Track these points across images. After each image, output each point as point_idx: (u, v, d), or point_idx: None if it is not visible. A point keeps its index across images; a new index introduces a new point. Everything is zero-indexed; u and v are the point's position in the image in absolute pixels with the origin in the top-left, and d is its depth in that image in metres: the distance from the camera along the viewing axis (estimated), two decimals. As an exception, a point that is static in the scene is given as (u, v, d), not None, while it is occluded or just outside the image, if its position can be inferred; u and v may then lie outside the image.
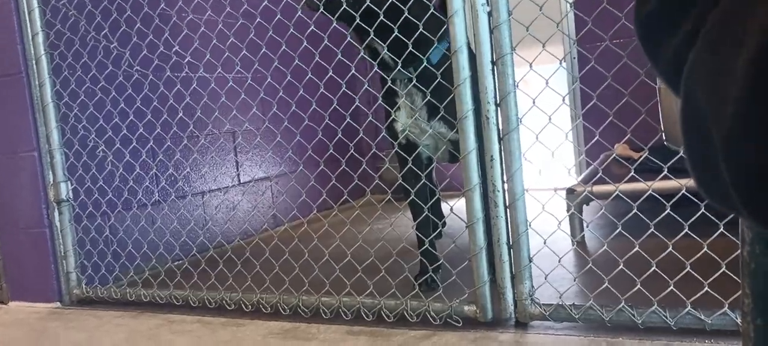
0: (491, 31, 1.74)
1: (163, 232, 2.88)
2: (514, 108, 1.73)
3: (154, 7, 2.85)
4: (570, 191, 2.53)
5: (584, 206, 2.62)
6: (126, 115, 2.72)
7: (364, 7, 1.94)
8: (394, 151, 2.25)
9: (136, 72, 2.84)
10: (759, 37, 0.30)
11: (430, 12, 1.95)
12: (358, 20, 1.96)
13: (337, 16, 1.98)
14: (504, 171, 1.75)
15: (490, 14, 1.74)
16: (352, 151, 2.27)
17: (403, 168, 2.14)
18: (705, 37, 0.35)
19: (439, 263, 2.20)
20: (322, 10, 1.98)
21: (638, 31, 0.44)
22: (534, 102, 1.71)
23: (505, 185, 1.75)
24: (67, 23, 2.59)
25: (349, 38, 2.17)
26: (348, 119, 2.25)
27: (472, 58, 1.78)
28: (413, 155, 2.14)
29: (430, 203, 2.20)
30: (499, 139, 1.75)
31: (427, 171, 2.34)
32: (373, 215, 3.02)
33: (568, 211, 2.46)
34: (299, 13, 2.02)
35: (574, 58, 3.74)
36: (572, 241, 2.52)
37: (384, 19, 1.93)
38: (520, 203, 1.73)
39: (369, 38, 2.01)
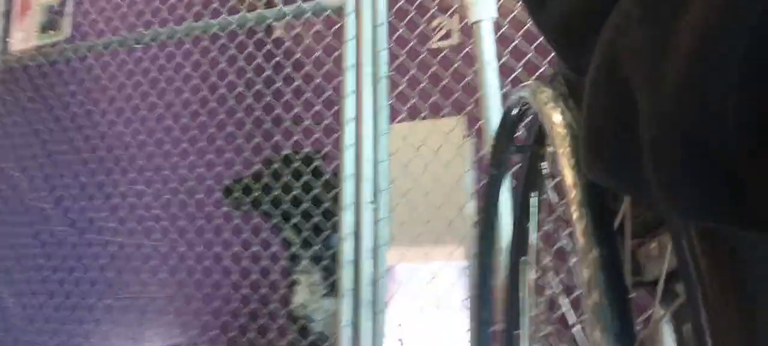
0: (375, 224, 2.00)
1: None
2: (384, 290, 1.94)
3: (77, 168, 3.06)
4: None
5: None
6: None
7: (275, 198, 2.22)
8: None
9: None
10: None
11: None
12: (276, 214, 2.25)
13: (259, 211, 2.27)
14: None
15: (374, 210, 2.01)
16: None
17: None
18: None
19: None
20: (244, 209, 2.27)
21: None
22: (416, 303, 1.94)
23: (372, 360, 1.90)
24: None
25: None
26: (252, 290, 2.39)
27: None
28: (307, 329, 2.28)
29: None
30: (373, 317, 1.93)
31: None
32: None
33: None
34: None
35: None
36: None
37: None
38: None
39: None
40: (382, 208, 1.99)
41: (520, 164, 0.85)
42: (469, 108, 2.04)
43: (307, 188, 2.22)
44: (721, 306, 0.33)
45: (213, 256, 2.43)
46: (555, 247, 0.83)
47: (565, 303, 0.74)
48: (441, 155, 2.01)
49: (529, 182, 0.82)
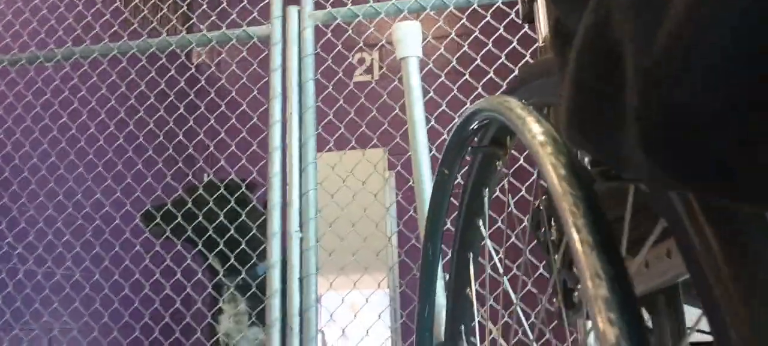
0: (301, 253, 2.02)
1: None
2: (314, 318, 1.97)
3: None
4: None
5: None
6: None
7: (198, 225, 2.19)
8: None
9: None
10: None
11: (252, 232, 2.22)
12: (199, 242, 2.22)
13: (181, 239, 2.23)
14: (301, 376, 1.93)
15: (301, 239, 2.04)
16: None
17: None
18: None
19: None
20: (167, 234, 2.22)
21: None
22: (343, 331, 1.98)
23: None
24: None
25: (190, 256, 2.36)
26: (170, 321, 2.34)
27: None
28: None
29: None
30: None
31: None
32: None
33: None
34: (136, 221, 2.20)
35: (396, 287, 4.10)
36: None
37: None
38: (313, 406, 1.89)
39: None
40: (311, 237, 2.02)
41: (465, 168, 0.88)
42: (394, 142, 2.11)
43: (231, 216, 2.21)
44: (734, 294, 0.33)
45: (132, 285, 2.36)
46: (506, 244, 0.86)
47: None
48: (368, 185, 2.06)
49: (481, 180, 0.86)
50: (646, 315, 0.64)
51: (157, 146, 2.55)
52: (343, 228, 2.19)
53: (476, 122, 0.84)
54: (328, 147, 2.28)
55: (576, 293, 0.65)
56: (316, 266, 2.01)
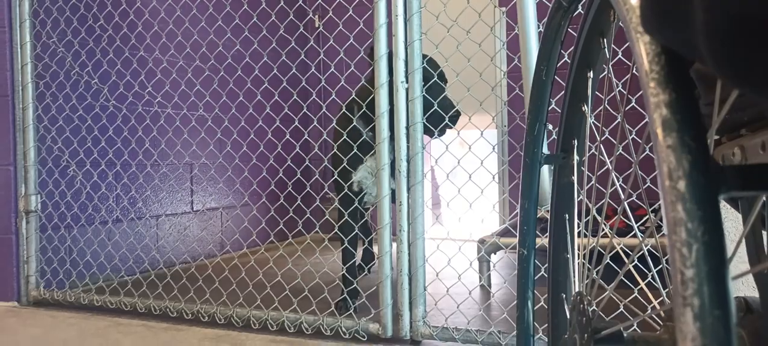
0: (407, 103, 2.07)
1: (119, 246, 3.07)
2: (420, 165, 2.05)
3: (134, 52, 3.11)
4: (481, 241, 2.84)
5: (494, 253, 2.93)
6: (98, 142, 2.94)
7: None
8: (342, 194, 2.49)
9: (112, 105, 3.07)
10: None
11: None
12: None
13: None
14: (409, 215, 2.06)
15: (407, 90, 2.07)
16: (307, 188, 2.55)
17: (347, 211, 2.42)
18: None
19: (353, 287, 2.45)
20: None
21: None
22: (458, 162, 2.05)
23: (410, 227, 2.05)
24: (55, 58, 2.83)
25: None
26: (292, 163, 2.53)
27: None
28: (359, 199, 2.44)
29: (366, 240, 2.48)
30: (408, 189, 2.06)
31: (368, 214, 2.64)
32: (311, 254, 3.26)
33: (478, 255, 2.78)
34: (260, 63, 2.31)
35: (505, 126, 4.12)
36: (480, 277, 2.83)
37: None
38: (420, 242, 2.04)
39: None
40: (416, 87, 2.05)
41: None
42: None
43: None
44: None
45: (256, 131, 2.53)
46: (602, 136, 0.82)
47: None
48: (473, 35, 2.02)
49: (584, 59, 0.82)
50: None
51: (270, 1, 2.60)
52: (450, 76, 2.19)
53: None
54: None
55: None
56: (422, 114, 2.05)
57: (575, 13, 0.88)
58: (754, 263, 0.61)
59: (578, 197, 0.87)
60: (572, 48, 0.82)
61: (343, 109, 2.38)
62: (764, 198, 0.55)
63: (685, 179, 0.37)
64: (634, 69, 0.47)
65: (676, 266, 0.36)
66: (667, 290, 0.69)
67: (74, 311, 2.57)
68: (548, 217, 0.91)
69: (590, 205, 0.77)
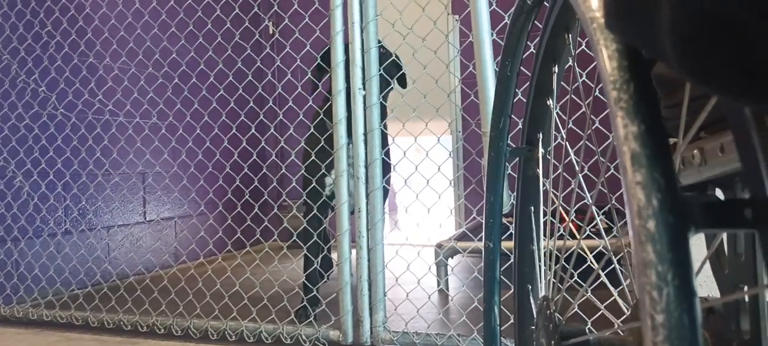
0: (365, 110, 2.07)
1: (69, 258, 2.97)
2: (378, 171, 2.05)
3: (84, 59, 3.02)
4: (439, 245, 2.86)
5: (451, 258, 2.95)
6: (46, 151, 2.84)
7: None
8: (302, 200, 2.46)
9: (61, 113, 2.97)
10: None
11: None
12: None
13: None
14: (368, 222, 2.05)
15: (364, 97, 2.07)
16: (265, 196, 2.51)
17: (308, 216, 2.38)
18: None
19: (313, 295, 2.42)
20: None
21: None
22: (416, 168, 2.05)
23: (368, 233, 2.05)
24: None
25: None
26: (248, 171, 2.49)
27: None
28: (319, 205, 2.40)
29: (325, 247, 2.45)
30: (367, 196, 2.06)
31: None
32: (270, 262, 3.22)
33: (436, 260, 2.80)
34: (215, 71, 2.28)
35: (459, 131, 4.15)
36: (438, 282, 2.84)
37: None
38: (379, 247, 2.04)
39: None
40: (374, 93, 2.05)
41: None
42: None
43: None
44: None
45: (212, 139, 2.49)
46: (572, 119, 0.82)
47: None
48: (428, 42, 2.03)
49: (550, 53, 0.82)
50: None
51: (224, 6, 2.57)
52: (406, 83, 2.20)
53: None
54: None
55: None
56: (379, 121, 2.06)
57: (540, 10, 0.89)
58: (715, 267, 0.63)
59: (543, 188, 0.89)
60: (538, 39, 0.84)
61: (321, 115, 2.33)
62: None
63: (654, 219, 0.37)
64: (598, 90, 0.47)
65: (647, 309, 0.36)
66: (627, 285, 0.71)
67: (22, 327, 2.47)
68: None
69: (557, 200, 0.78)
